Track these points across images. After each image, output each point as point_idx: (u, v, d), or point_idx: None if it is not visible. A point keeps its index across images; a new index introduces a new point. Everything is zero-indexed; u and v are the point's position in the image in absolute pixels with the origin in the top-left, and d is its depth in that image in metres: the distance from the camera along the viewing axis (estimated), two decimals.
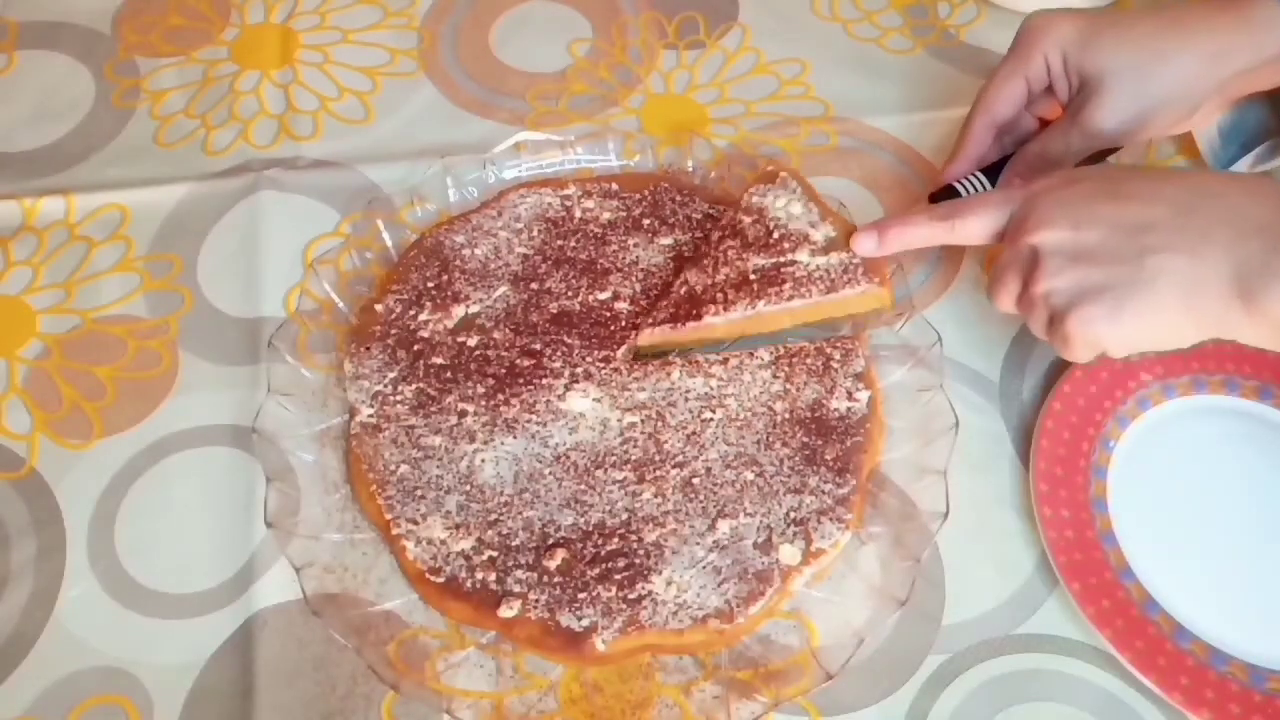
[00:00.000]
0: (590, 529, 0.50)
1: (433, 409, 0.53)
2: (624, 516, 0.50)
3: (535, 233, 0.60)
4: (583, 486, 0.51)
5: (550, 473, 0.52)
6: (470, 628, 0.49)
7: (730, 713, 0.47)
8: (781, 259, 0.54)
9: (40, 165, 0.65)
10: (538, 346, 0.55)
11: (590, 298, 0.57)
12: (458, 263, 0.58)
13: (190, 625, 0.50)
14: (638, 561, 0.49)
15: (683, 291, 0.54)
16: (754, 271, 0.54)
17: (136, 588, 0.51)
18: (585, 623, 0.47)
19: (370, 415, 0.53)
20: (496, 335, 0.56)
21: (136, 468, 0.54)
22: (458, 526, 0.50)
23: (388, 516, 0.50)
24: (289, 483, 0.52)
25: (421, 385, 0.54)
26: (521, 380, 0.54)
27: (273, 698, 0.48)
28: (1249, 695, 0.47)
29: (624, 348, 0.55)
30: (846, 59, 0.71)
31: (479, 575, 0.49)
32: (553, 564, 0.49)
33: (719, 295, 0.53)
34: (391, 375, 0.54)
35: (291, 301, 0.59)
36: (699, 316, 0.53)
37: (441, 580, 0.49)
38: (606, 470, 0.52)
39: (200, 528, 0.52)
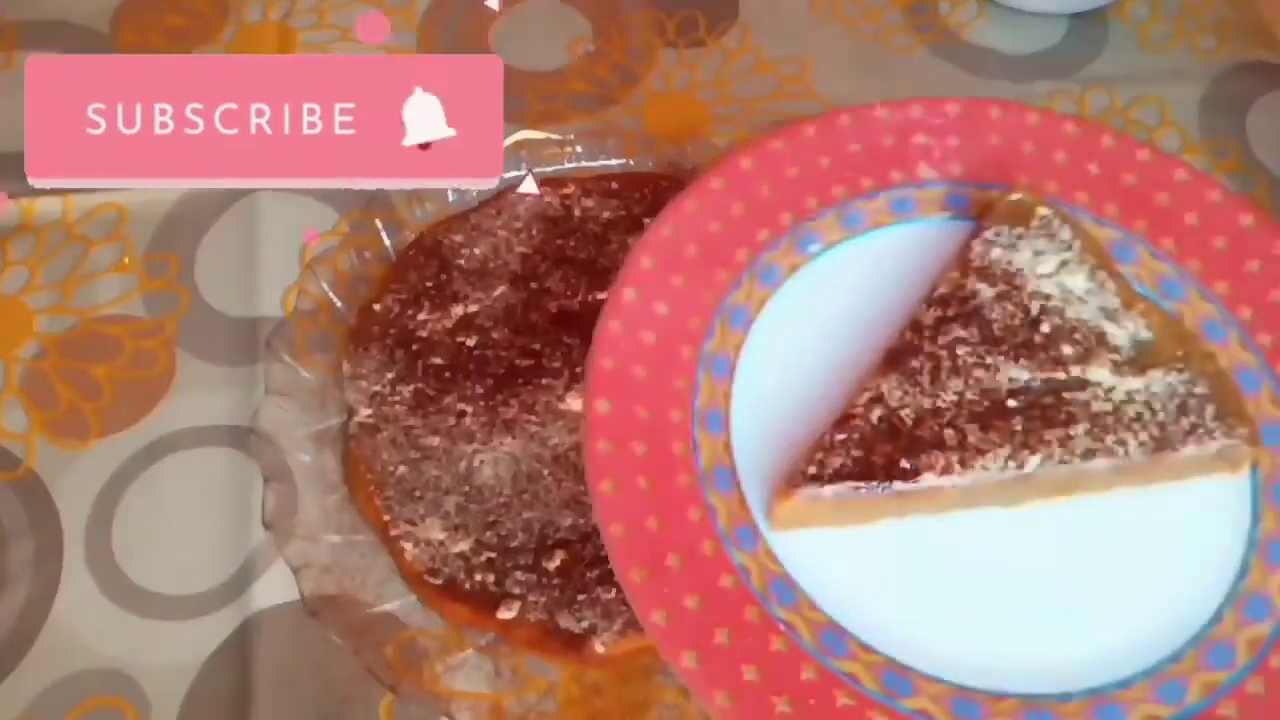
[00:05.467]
0: (590, 530, 0.50)
1: (431, 409, 0.53)
2: None
3: (535, 232, 0.60)
4: (582, 488, 0.51)
5: (549, 474, 0.51)
6: (469, 629, 0.48)
7: None
8: (1063, 376, 0.34)
9: None
10: (537, 346, 0.55)
11: (590, 298, 0.57)
12: (457, 262, 0.58)
13: (188, 627, 0.50)
14: None
15: (871, 418, 0.33)
16: (1014, 395, 0.33)
17: (133, 589, 0.51)
18: (585, 624, 0.47)
19: (368, 416, 0.53)
20: (496, 335, 0.56)
21: (134, 468, 0.54)
22: (456, 528, 0.50)
23: (386, 518, 0.50)
24: (286, 483, 0.51)
25: (420, 385, 0.54)
26: (521, 380, 0.54)
27: (270, 699, 0.48)
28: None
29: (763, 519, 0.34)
30: (847, 57, 0.71)
31: (478, 577, 0.48)
32: (552, 565, 0.49)
33: (949, 436, 0.32)
34: (390, 375, 0.54)
35: (289, 301, 0.58)
36: (914, 474, 0.32)
37: (440, 582, 0.48)
38: None
39: (197, 529, 0.52)
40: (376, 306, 0.57)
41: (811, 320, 0.36)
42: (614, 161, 0.64)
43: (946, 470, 0.32)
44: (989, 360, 0.34)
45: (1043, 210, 0.37)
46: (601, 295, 0.57)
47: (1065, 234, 0.36)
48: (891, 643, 0.30)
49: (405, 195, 0.61)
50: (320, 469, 0.53)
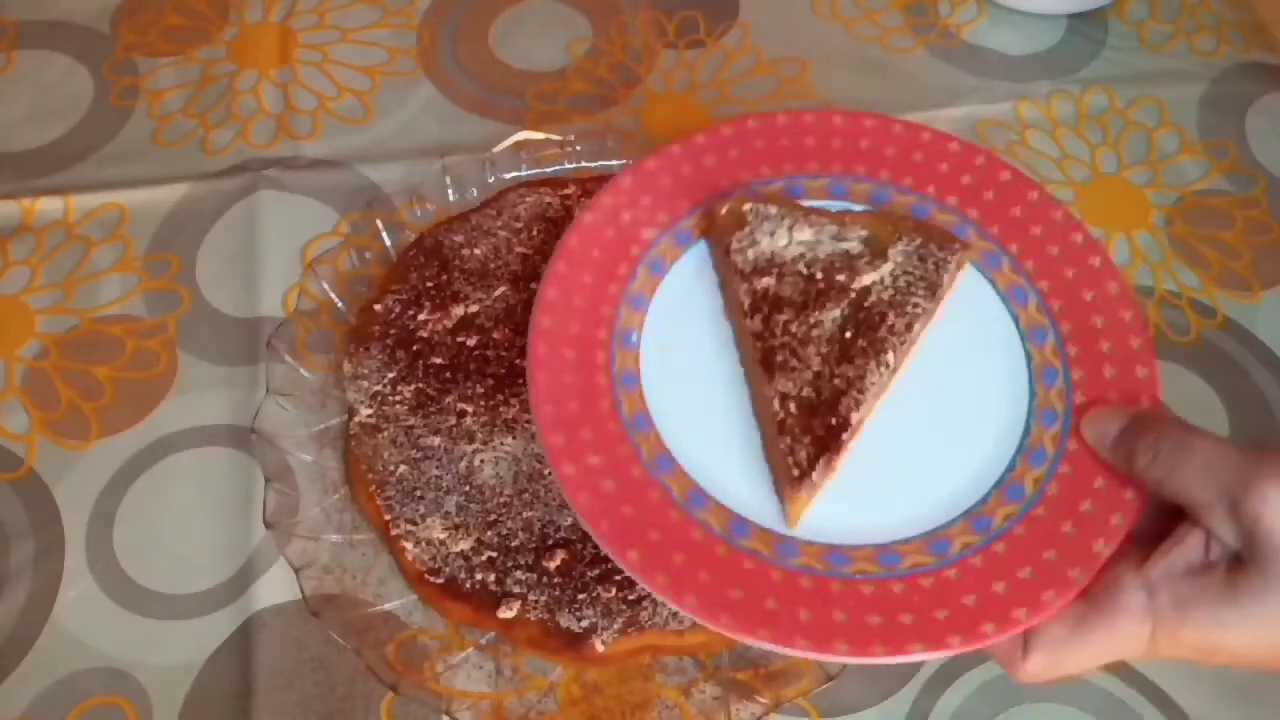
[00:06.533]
0: None
1: (432, 409, 0.53)
2: None
3: (535, 232, 0.60)
4: None
5: (550, 473, 0.51)
6: (469, 629, 0.49)
7: (730, 714, 0.46)
8: (853, 294, 0.43)
9: (38, 165, 0.64)
10: None
11: None
12: (457, 262, 0.58)
13: (189, 626, 0.50)
14: None
15: (792, 410, 0.41)
16: (843, 329, 0.43)
17: (135, 588, 0.51)
18: (585, 623, 0.47)
19: (369, 415, 0.53)
20: (496, 335, 0.56)
21: (135, 468, 0.54)
22: (457, 527, 0.50)
23: (387, 517, 0.50)
24: (288, 483, 0.51)
25: (421, 385, 0.54)
26: (521, 380, 0.54)
27: (271, 699, 0.48)
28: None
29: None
30: (847, 58, 0.71)
31: (478, 576, 0.48)
32: (552, 565, 0.49)
33: (839, 382, 0.41)
34: (390, 375, 0.54)
35: (290, 301, 0.59)
36: (845, 424, 0.40)
37: (441, 581, 0.48)
38: None
39: (199, 528, 0.52)
40: (377, 306, 0.57)
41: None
42: (614, 162, 0.64)
43: (859, 403, 0.41)
44: (812, 319, 0.43)
45: (746, 206, 0.46)
46: None
47: (771, 210, 0.46)
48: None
49: (406, 196, 0.61)
50: (321, 469, 0.53)
